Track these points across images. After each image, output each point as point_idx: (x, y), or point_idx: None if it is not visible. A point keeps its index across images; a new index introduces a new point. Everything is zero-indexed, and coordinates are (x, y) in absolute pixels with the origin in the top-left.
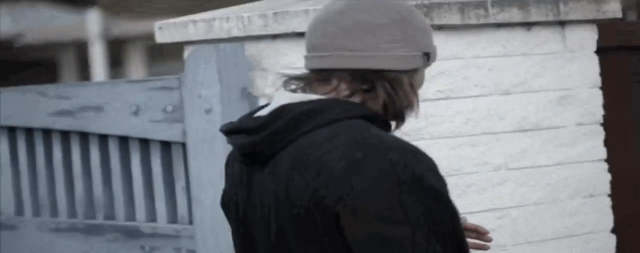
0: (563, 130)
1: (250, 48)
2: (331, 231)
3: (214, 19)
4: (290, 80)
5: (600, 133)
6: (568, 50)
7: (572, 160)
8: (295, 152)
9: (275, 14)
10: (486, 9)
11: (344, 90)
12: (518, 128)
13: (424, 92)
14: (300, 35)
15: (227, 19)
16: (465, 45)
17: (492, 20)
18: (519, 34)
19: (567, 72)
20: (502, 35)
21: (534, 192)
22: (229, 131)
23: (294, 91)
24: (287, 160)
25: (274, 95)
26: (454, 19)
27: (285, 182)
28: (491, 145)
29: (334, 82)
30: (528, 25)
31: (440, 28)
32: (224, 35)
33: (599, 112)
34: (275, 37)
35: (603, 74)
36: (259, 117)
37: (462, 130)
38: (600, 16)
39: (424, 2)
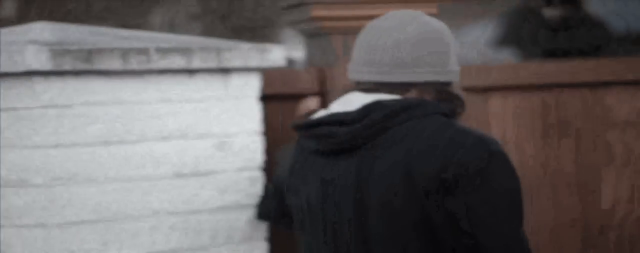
0: (223, 175)
1: None
2: (435, 199)
3: None
4: (362, 87)
5: (261, 179)
6: (231, 97)
7: (232, 205)
8: (396, 139)
9: None
10: (148, 55)
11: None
12: (178, 174)
13: (83, 136)
14: None
15: None
16: (127, 91)
17: (154, 66)
18: (182, 81)
19: (230, 118)
20: (165, 81)
21: (192, 237)
22: (310, 124)
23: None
24: (388, 145)
25: (346, 96)
26: (116, 64)
27: (389, 165)
28: (150, 190)
29: (414, 92)
30: (191, 71)
31: (101, 73)
32: None
33: (259, 158)
34: None
35: (266, 120)
36: (350, 112)
37: (120, 175)
38: (264, 64)
39: (83, 47)
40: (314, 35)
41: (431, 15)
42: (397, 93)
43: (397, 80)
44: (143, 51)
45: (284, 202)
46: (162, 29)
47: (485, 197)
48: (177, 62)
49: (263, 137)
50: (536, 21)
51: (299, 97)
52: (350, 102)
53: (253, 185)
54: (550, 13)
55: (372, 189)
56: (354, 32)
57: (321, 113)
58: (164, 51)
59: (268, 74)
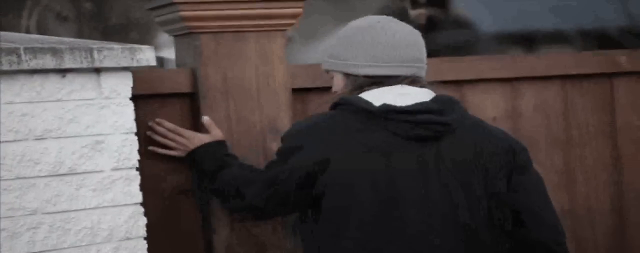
0: (98, 175)
1: None
2: (505, 174)
3: None
4: (399, 80)
5: (136, 178)
6: (103, 97)
7: (108, 204)
8: (473, 126)
9: None
10: (19, 56)
11: None
12: (53, 173)
13: None
14: None
15: None
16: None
17: (25, 66)
18: (54, 80)
19: (102, 118)
20: (37, 81)
21: (70, 236)
22: (401, 111)
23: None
24: (470, 132)
25: (398, 88)
26: None
27: (476, 146)
28: (26, 190)
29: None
30: (63, 71)
31: None
32: None
33: (134, 157)
34: None
35: (138, 119)
36: (425, 102)
37: None
38: (135, 64)
39: None
40: (183, 36)
41: (295, 16)
42: (421, 84)
43: (418, 73)
44: (13, 51)
45: (308, 188)
46: (31, 31)
47: (530, 178)
48: (48, 62)
49: (136, 137)
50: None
51: (170, 96)
52: (407, 94)
53: (129, 184)
54: (416, 13)
55: (475, 175)
56: (224, 31)
57: (381, 102)
58: (34, 51)
59: (140, 74)
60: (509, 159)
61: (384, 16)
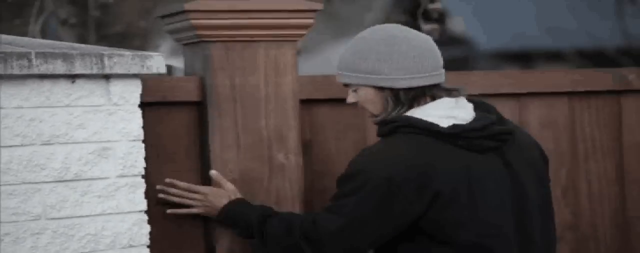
0: (103, 182)
1: None
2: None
3: None
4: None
5: (142, 186)
6: (112, 104)
7: (113, 211)
8: (517, 128)
9: None
10: (30, 60)
11: None
12: (59, 179)
13: None
14: None
15: None
16: (7, 96)
17: (35, 71)
18: (63, 86)
19: (110, 125)
20: (46, 86)
21: (73, 242)
22: (482, 127)
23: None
24: (521, 133)
25: (457, 100)
26: None
27: (535, 145)
28: (31, 195)
29: None
30: (73, 77)
31: None
32: None
33: (140, 165)
34: None
35: (146, 127)
36: (485, 115)
37: (2, 180)
38: (145, 71)
39: None
40: (193, 44)
41: (306, 26)
42: (458, 94)
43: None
44: (24, 55)
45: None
46: (35, 37)
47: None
48: (59, 67)
49: (143, 144)
50: None
51: (178, 104)
52: (465, 106)
53: (134, 192)
54: (428, 28)
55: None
56: (234, 41)
57: (449, 119)
58: (45, 56)
59: (148, 81)
60: (543, 155)
61: (394, 24)
